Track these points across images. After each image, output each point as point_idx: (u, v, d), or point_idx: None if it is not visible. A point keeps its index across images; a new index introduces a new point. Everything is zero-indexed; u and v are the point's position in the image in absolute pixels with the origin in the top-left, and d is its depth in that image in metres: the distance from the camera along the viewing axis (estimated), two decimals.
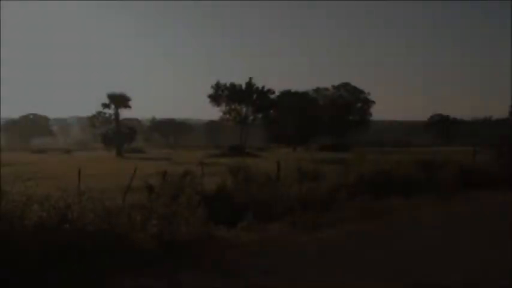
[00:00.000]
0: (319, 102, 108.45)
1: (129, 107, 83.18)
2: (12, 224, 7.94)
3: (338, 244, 10.33)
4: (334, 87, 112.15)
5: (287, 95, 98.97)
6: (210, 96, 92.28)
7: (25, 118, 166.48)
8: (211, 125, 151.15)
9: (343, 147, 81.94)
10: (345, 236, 11.15)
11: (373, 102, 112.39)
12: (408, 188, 16.93)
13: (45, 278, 7.49)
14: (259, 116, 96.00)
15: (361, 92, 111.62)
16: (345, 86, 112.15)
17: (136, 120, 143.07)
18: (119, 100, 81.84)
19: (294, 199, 13.50)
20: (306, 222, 11.97)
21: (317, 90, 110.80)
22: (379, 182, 17.00)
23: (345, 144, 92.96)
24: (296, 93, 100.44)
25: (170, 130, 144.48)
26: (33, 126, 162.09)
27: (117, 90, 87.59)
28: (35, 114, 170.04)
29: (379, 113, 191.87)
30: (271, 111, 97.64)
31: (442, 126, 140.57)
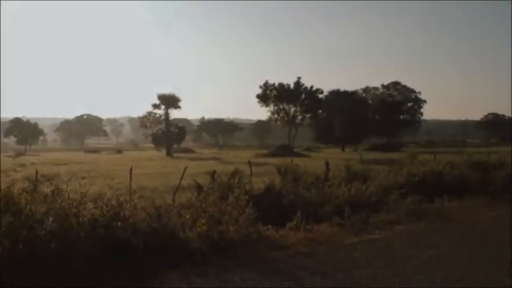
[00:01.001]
0: (368, 101, 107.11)
1: (179, 107, 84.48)
2: (69, 221, 8.20)
3: (388, 246, 10.15)
4: (383, 86, 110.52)
5: (336, 94, 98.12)
6: (258, 96, 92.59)
7: (79, 119, 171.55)
8: (259, 125, 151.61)
9: (393, 147, 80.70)
10: (394, 238, 10.96)
11: (424, 101, 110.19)
12: (461, 189, 16.51)
13: (99, 274, 7.70)
14: (308, 115, 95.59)
15: (412, 91, 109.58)
16: (395, 85, 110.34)
17: (186, 120, 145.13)
18: (169, 101, 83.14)
19: (343, 199, 13.38)
20: (354, 223, 11.85)
21: (366, 89, 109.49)
22: (431, 183, 16.65)
23: (395, 144, 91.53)
24: (345, 93, 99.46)
25: (219, 130, 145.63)
26: (87, 126, 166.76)
27: (167, 91, 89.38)
28: (88, 115, 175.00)
29: (430, 112, 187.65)
30: (320, 111, 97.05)
31: (497, 126, 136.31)
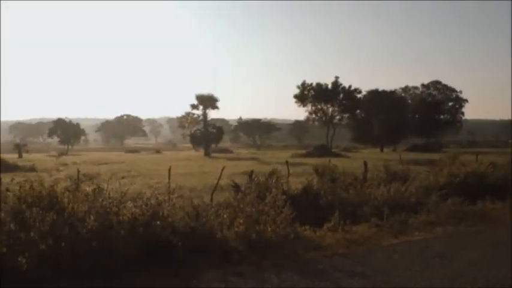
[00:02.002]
0: (407, 101, 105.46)
1: (217, 107, 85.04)
2: (109, 220, 8.36)
3: (428, 248, 9.98)
4: (423, 85, 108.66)
5: (374, 94, 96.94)
6: (296, 96, 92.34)
7: (119, 119, 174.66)
8: (297, 125, 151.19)
9: (433, 148, 79.29)
10: (435, 240, 10.76)
11: (466, 100, 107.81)
12: (504, 191, 16.06)
13: (138, 273, 7.82)
14: (346, 115, 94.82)
15: (453, 90, 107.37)
16: (435, 84, 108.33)
17: (224, 120, 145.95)
18: (207, 101, 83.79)
19: (382, 200, 13.22)
20: (393, 224, 11.68)
21: (405, 89, 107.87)
22: (473, 184, 16.27)
23: (436, 145, 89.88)
24: (384, 92, 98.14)
25: (256, 130, 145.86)
26: (126, 126, 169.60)
27: (205, 91, 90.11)
28: (128, 116, 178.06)
29: (472, 112, 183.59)
30: (358, 110, 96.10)
31: None
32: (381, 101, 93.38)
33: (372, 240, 10.57)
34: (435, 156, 34.33)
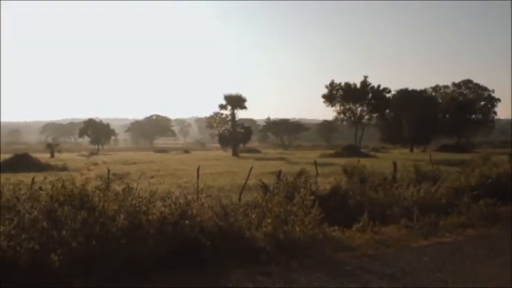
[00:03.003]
0: (438, 100, 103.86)
1: (245, 107, 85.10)
2: (138, 219, 8.45)
3: (459, 250, 9.82)
4: (454, 84, 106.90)
5: (404, 93, 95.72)
6: (324, 96, 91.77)
7: (149, 119, 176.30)
8: (325, 125, 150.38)
9: (464, 148, 77.92)
10: (466, 242, 10.58)
11: (498, 100, 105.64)
12: None
13: (167, 271, 7.89)
14: (375, 115, 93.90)
15: (485, 89, 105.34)
16: (467, 83, 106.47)
17: (252, 120, 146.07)
18: (235, 101, 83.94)
19: (411, 201, 13.06)
20: (423, 225, 11.53)
21: (436, 88, 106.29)
22: (505, 185, 15.92)
23: (467, 145, 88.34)
24: (413, 92, 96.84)
25: (284, 130, 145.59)
26: (155, 126, 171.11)
27: (233, 91, 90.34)
28: (157, 116, 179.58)
29: (505, 111, 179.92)
30: (387, 110, 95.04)
31: None
32: (411, 101, 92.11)
33: (401, 241, 10.46)
34: (466, 156, 33.72)
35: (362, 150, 78.31)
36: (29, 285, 7.05)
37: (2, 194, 9.01)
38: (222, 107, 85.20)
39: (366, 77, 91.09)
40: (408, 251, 9.70)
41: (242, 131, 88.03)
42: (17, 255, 7.32)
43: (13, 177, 9.86)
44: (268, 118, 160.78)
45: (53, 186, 8.71)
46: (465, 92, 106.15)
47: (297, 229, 9.73)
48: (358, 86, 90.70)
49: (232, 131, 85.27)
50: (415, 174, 17.26)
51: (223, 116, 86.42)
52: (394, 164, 17.38)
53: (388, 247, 9.97)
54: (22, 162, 42.52)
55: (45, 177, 9.75)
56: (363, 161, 24.20)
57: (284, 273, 8.07)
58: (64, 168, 40.38)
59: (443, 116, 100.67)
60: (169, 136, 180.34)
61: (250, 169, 14.21)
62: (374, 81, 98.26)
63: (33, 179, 10.06)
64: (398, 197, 13.44)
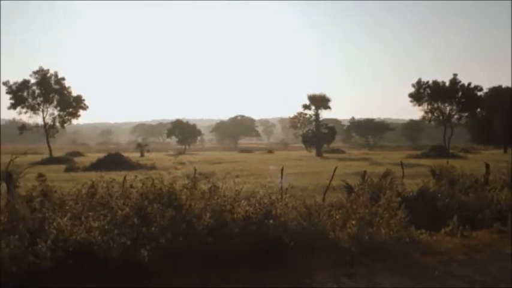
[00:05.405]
0: None
1: (329, 107, 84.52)
2: (224, 218, 8.63)
3: None
4: None
5: (497, 91, 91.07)
6: (411, 95, 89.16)
7: (233, 120, 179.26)
8: (411, 125, 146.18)
9: None
10: None
11: None
12: None
13: (251, 269, 7.99)
14: (465, 114, 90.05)
15: None
16: None
17: (336, 120, 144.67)
18: (319, 101, 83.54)
19: (505, 205, 12.41)
20: None
21: None
22: None
23: None
24: (508, 89, 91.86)
25: (369, 130, 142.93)
26: (240, 127, 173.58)
27: (317, 91, 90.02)
28: (242, 116, 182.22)
29: None
30: (479, 109, 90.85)
31: None
32: (505, 99, 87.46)
33: (493, 246, 9.99)
34: None
35: (451, 151, 75.43)
36: (120, 278, 7.38)
37: (97, 191, 9.51)
38: (305, 107, 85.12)
39: (455, 74, 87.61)
40: (501, 257, 9.24)
41: (326, 131, 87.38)
42: (109, 250, 7.69)
43: (106, 175, 10.33)
44: (353, 118, 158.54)
45: (143, 184, 9.09)
46: None
47: (382, 231, 9.55)
48: (447, 84, 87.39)
49: (316, 131, 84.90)
50: (510, 176, 16.36)
51: (307, 116, 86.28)
52: (487, 165, 16.56)
53: (478, 252, 9.56)
54: (114, 161, 44.68)
55: (136, 176, 10.17)
56: (452, 162, 23.26)
57: (368, 275, 7.94)
58: (153, 167, 41.93)
59: None
60: (253, 136, 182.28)
61: (335, 169, 14.07)
62: (464, 80, 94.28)
63: (124, 177, 10.54)
64: (491, 200, 12.83)
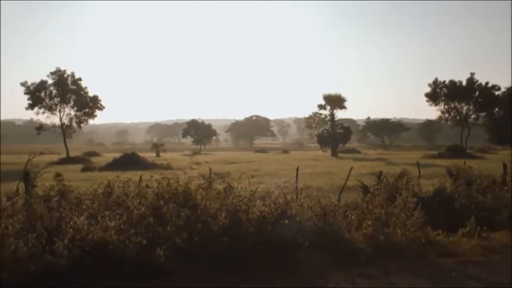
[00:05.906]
0: None
1: (344, 107, 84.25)
2: (239, 218, 8.64)
3: None
4: None
5: None
6: (427, 95, 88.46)
7: (248, 120, 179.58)
8: (427, 125, 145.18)
9: None
10: None
11: None
12: None
13: (265, 269, 7.99)
14: (482, 114, 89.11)
15: None
16: None
17: (351, 120, 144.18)
18: (334, 101, 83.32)
19: None
20: None
21: None
22: None
23: None
24: None
25: (384, 130, 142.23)
26: (255, 127, 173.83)
27: (332, 91, 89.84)
28: (257, 116, 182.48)
29: None
30: (496, 109, 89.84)
31: None
32: None
33: (511, 248, 9.86)
34: None
35: (468, 151, 74.73)
36: (136, 278, 7.43)
37: (113, 191, 9.58)
38: (321, 107, 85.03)
39: (472, 74, 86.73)
40: None
41: (341, 131, 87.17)
42: (125, 249, 7.75)
43: (122, 175, 10.41)
44: (368, 118, 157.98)
45: (158, 184, 9.14)
46: None
47: (398, 232, 9.49)
48: (464, 83, 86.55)
49: (331, 131, 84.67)
50: None
51: (322, 116, 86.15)
52: (504, 166, 16.36)
53: (496, 254, 9.45)
54: (130, 160, 45.05)
55: (152, 176, 10.23)
56: (469, 162, 23.06)
57: (383, 276, 7.90)
58: (168, 167, 42.17)
59: None
60: (268, 136, 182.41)
61: (350, 169, 14.01)
62: (481, 79, 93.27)
63: (140, 177, 10.61)
64: (509, 201, 12.68)
